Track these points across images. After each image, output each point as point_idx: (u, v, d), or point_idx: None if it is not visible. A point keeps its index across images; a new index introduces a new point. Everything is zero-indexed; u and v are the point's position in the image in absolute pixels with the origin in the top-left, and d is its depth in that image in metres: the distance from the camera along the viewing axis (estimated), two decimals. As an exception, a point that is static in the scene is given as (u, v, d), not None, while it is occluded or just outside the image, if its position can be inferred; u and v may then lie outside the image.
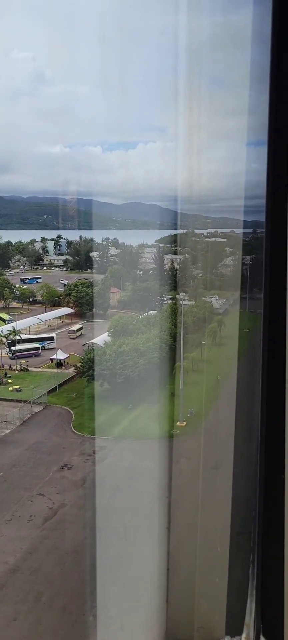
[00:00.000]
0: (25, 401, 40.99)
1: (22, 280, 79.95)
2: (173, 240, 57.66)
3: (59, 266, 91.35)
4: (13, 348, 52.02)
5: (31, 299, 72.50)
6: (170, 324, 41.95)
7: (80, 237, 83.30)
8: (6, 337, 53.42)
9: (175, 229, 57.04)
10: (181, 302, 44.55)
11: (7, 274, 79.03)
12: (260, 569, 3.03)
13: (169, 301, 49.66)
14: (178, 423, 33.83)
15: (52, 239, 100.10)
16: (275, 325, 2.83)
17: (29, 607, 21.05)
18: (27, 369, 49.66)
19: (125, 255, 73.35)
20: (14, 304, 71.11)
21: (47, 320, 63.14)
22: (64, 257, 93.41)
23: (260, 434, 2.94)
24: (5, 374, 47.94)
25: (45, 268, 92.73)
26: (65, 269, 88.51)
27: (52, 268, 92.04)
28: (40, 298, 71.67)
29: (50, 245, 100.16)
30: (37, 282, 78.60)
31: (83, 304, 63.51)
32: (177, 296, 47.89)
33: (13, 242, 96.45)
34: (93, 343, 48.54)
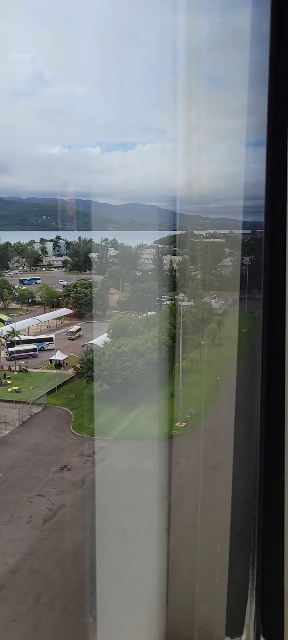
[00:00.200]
0: (24, 402, 40.98)
1: (21, 281, 79.94)
2: (173, 241, 57.71)
3: (58, 267, 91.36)
4: (9, 349, 52.01)
5: (30, 300, 72.50)
6: (170, 324, 41.96)
7: (79, 238, 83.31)
8: (5, 338, 53.41)
9: (174, 230, 57.07)
10: (180, 302, 44.57)
11: (6, 275, 78.99)
12: (260, 569, 3.03)
13: (168, 302, 49.68)
14: (177, 424, 33.85)
15: (51, 240, 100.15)
16: (275, 326, 2.83)
17: (29, 608, 21.03)
18: (26, 370, 49.65)
19: (124, 256, 73.36)
20: (13, 305, 71.11)
21: (46, 321, 63.12)
22: (63, 258, 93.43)
23: (260, 435, 2.94)
24: (5, 375, 47.92)
25: (44, 269, 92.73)
26: (64, 269, 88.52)
27: (51, 269, 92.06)
28: (39, 299, 71.67)
29: (49, 246, 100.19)
30: (36, 283, 78.58)
31: (82, 305, 63.50)
32: (176, 297, 47.92)
33: (12, 243, 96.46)
34: (92, 344, 48.55)
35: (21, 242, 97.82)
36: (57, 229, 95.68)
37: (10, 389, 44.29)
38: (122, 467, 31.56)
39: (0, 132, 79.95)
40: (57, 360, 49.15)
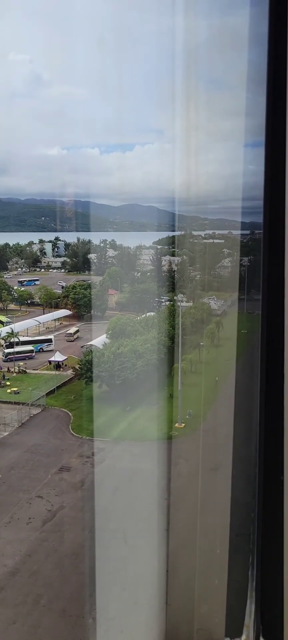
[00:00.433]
0: (23, 403, 40.94)
1: (20, 282, 79.97)
2: (171, 241, 57.83)
3: (57, 268, 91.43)
4: (6, 350, 51.98)
5: (29, 301, 72.49)
6: (168, 325, 41.99)
7: (78, 239, 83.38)
8: (4, 339, 53.39)
9: (173, 231, 57.16)
10: (179, 303, 44.60)
11: (5, 276, 78.99)
12: (259, 570, 3.03)
13: (167, 303, 49.73)
14: (176, 425, 33.85)
15: (50, 241, 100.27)
16: (274, 326, 2.83)
17: (28, 609, 21.00)
18: (25, 371, 49.63)
19: (123, 257, 73.47)
20: (12, 306, 71.11)
21: (45, 322, 63.10)
22: (61, 259, 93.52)
23: (259, 435, 2.93)
24: (4, 376, 47.90)
25: (43, 270, 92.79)
26: (63, 270, 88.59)
27: (50, 270, 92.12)
28: (38, 300, 71.69)
29: (48, 247, 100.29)
30: (35, 284, 78.60)
31: (81, 306, 63.50)
32: (175, 298, 47.97)
33: (11, 244, 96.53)
34: (91, 345, 48.53)
35: (20, 243, 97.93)
36: (55, 230, 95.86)
37: (9, 390, 44.26)
38: (121, 468, 31.55)
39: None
40: (56, 361, 49.13)
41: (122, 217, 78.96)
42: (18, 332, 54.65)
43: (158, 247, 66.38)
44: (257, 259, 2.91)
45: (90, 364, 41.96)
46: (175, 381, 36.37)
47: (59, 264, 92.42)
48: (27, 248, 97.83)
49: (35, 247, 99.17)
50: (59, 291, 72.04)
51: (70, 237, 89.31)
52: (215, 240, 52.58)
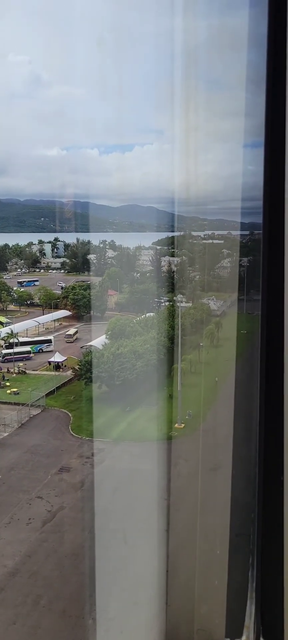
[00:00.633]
0: (23, 404, 40.92)
1: (20, 283, 79.93)
2: (171, 242, 57.81)
3: (57, 269, 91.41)
4: (3, 351, 51.94)
5: (29, 302, 72.48)
6: (168, 326, 41.99)
7: (78, 240, 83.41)
8: (4, 340, 53.37)
9: (172, 231, 57.11)
10: (178, 304, 44.60)
11: (4, 277, 78.96)
12: (259, 570, 3.03)
13: (167, 303, 49.71)
14: (176, 425, 33.84)
15: (50, 242, 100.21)
16: (273, 327, 2.83)
17: (28, 610, 20.99)
18: (25, 371, 49.61)
19: (123, 258, 73.45)
20: (11, 307, 71.09)
21: (45, 322, 63.09)
22: (61, 260, 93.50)
23: (259, 436, 2.94)
24: (3, 376, 47.88)
25: (42, 271, 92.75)
26: (62, 271, 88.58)
27: (50, 271, 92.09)
28: (38, 301, 71.66)
29: (48, 248, 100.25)
30: (34, 285, 78.56)
31: (80, 307, 63.49)
32: (175, 298, 47.96)
33: (10, 245, 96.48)
34: (91, 345, 48.51)
35: (19, 243, 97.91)
36: (55, 231, 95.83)
37: (9, 391, 44.24)
38: (121, 469, 31.54)
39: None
40: (55, 362, 49.11)
41: (121, 217, 78.96)
42: (18, 333, 54.62)
43: (158, 247, 66.38)
44: (257, 260, 2.91)
45: (90, 365, 41.95)
46: (174, 381, 36.36)
47: (58, 265, 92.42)
48: (27, 249, 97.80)
49: (35, 248, 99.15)
50: (59, 292, 72.03)
51: (70, 238, 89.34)
52: (215, 241, 52.51)
